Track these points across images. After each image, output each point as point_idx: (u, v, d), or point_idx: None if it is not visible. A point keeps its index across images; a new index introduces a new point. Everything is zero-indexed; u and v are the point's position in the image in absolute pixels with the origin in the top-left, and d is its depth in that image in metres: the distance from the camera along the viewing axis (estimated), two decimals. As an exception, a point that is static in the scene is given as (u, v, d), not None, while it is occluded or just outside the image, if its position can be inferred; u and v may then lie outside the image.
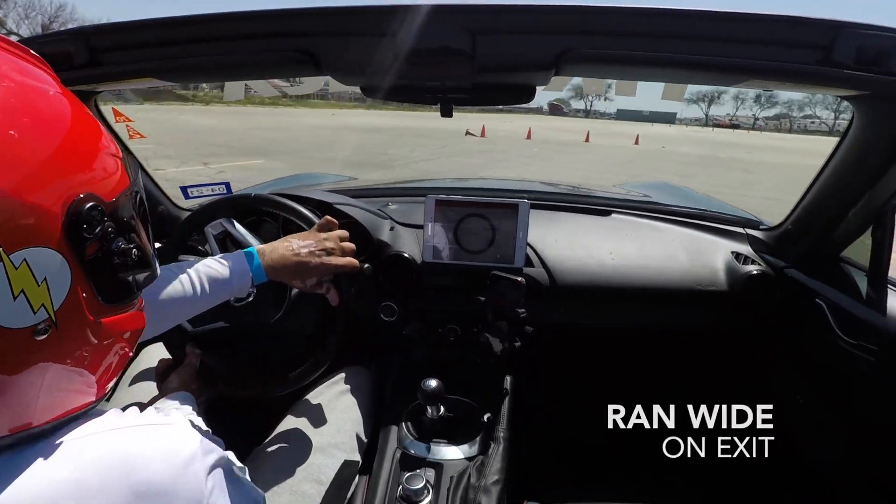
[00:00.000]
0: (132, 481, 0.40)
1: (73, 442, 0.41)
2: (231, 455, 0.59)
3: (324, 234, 0.92)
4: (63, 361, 0.41)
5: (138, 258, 0.46)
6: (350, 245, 0.94)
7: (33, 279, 0.37)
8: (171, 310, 0.78)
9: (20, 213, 0.36)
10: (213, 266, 0.82)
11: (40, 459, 0.39)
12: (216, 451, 0.49)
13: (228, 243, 1.04)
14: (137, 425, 0.44)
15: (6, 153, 0.36)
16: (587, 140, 18.24)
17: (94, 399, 0.46)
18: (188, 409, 0.84)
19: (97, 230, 0.41)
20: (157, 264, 0.52)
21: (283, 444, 1.00)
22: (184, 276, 0.78)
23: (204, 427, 0.79)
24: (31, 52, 0.44)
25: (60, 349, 0.40)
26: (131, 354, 0.50)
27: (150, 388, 1.07)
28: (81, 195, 0.40)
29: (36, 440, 0.40)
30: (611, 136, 22.08)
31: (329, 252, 0.90)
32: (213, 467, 0.47)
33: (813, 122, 68.11)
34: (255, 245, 0.97)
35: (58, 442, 0.40)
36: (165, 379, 0.96)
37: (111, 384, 0.48)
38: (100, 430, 0.43)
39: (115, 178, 0.45)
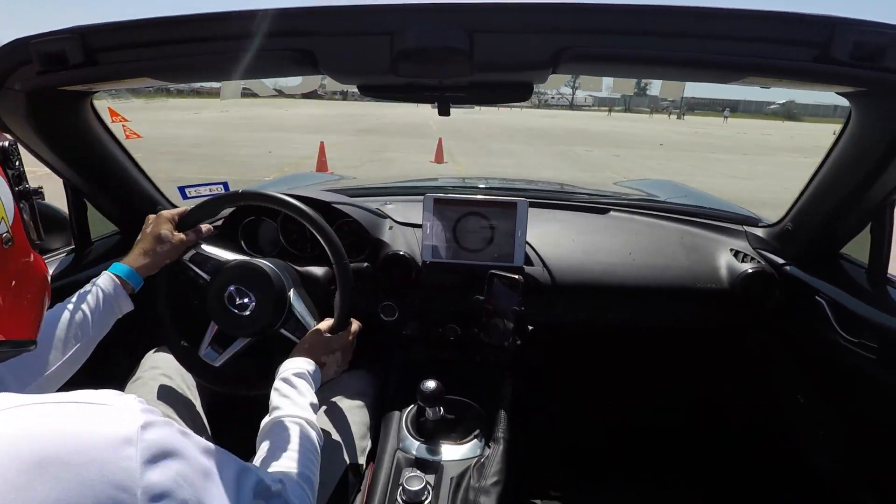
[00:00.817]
0: (37, 457, 0.35)
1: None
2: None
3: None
4: (19, 279, 0.50)
5: (39, 211, 0.56)
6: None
7: None
8: (74, 348, 0.83)
9: None
10: (86, 293, 0.88)
11: None
12: (168, 438, 0.43)
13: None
14: (66, 402, 0.40)
15: None
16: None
17: (33, 336, 0.52)
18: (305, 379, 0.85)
19: (16, 165, 0.53)
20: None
21: None
22: (66, 315, 0.84)
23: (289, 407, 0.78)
24: None
25: (16, 266, 0.50)
26: (48, 300, 0.57)
27: (150, 393, 1.06)
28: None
29: None
30: (396, 139, 13.24)
31: (154, 220, 1.00)
32: (157, 455, 0.41)
33: (554, 98, 72.74)
34: (228, 257, 1.06)
35: None
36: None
37: (39, 326, 0.54)
38: (25, 402, 0.39)
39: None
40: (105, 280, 0.91)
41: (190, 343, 1.08)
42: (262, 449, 0.72)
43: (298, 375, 0.85)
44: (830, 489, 1.12)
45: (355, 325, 1.02)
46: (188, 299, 1.12)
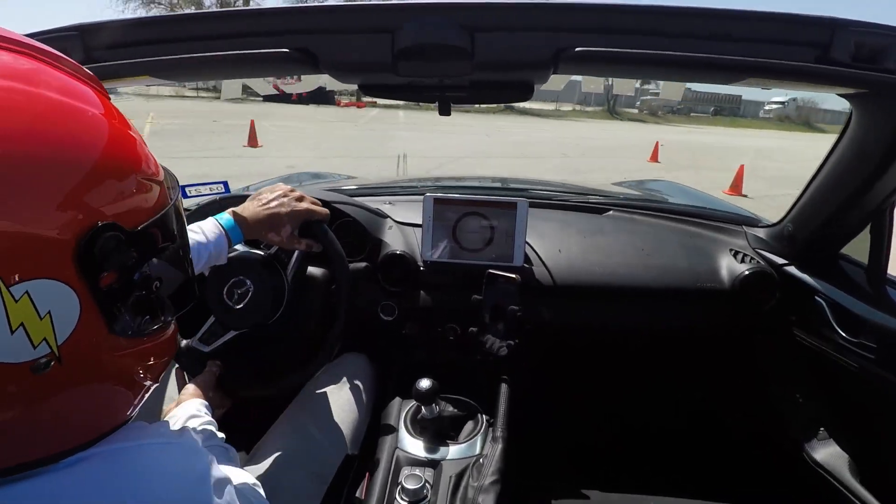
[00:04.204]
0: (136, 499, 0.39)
1: (78, 465, 0.40)
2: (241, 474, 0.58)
3: (290, 186, 0.96)
4: (69, 397, 0.39)
5: (168, 286, 0.44)
6: (316, 200, 0.98)
7: (35, 313, 0.34)
8: None
9: (24, 243, 0.33)
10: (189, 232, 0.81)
11: (50, 485, 0.38)
12: (226, 470, 0.48)
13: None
14: (146, 443, 0.43)
15: (13, 178, 0.33)
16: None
17: (107, 429, 0.44)
18: (203, 418, 0.83)
19: (114, 260, 0.38)
20: (196, 288, 0.50)
21: (282, 438, 1.00)
22: None
23: (218, 436, 0.79)
24: (85, 70, 0.41)
25: (65, 384, 0.38)
26: (155, 384, 0.48)
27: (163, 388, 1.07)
28: (100, 223, 0.37)
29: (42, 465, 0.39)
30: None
31: (298, 199, 0.94)
32: (224, 487, 0.45)
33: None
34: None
35: (69, 462, 0.39)
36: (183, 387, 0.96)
37: (132, 412, 0.46)
38: (103, 448, 0.42)
39: (146, 204, 0.42)
40: (211, 223, 0.85)
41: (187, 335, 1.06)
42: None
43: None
44: (829, 489, 1.12)
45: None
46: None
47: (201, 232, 0.84)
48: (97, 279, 0.38)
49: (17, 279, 0.33)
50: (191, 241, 0.76)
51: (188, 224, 1.01)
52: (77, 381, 0.39)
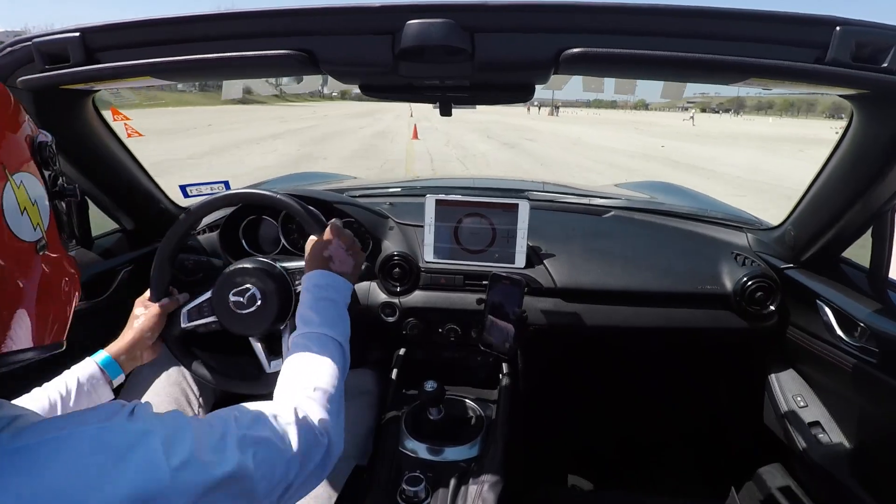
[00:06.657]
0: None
1: (45, 440, 0.43)
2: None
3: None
4: (49, 283, 0.48)
5: (77, 205, 0.56)
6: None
7: (29, 199, 0.46)
8: None
9: (10, 143, 0.46)
10: (64, 380, 0.82)
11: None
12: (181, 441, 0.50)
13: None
14: (82, 429, 0.46)
15: None
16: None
17: (61, 339, 0.51)
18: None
19: (54, 166, 0.51)
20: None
21: None
22: (43, 401, 0.77)
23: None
24: None
25: (48, 270, 0.48)
26: (77, 299, 0.56)
27: (150, 386, 1.06)
28: (38, 133, 0.51)
29: None
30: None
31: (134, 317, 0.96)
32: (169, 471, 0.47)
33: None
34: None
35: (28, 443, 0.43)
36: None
37: (67, 326, 0.53)
38: (65, 425, 0.45)
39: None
40: (86, 368, 0.85)
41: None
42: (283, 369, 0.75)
43: (316, 292, 0.83)
44: (832, 492, 1.11)
45: (331, 222, 0.95)
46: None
47: (75, 373, 0.83)
48: (48, 180, 0.50)
49: (14, 169, 0.45)
50: (66, 381, 0.81)
51: (190, 228, 1.03)
52: (53, 269, 0.49)
